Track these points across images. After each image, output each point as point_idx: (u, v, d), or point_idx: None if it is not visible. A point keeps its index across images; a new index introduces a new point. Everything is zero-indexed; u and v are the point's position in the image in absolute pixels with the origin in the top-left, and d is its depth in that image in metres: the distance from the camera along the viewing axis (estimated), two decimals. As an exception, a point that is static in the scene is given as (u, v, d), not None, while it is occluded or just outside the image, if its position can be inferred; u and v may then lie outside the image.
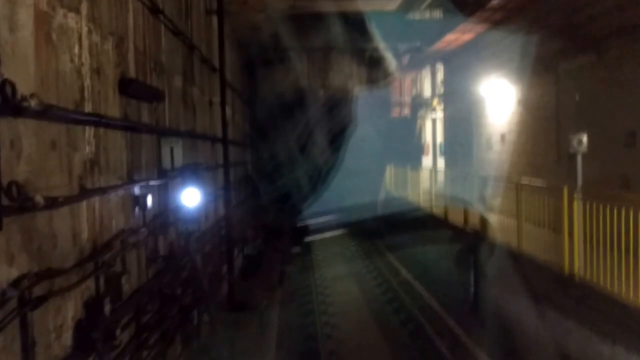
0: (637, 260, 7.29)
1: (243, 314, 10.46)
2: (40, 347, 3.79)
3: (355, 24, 19.33)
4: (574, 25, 13.06)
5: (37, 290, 3.71)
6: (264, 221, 16.63)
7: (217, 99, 11.11)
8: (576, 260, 8.87)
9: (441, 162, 26.63)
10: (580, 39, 12.72)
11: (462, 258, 13.27)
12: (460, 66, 21.53)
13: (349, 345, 12.62)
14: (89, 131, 4.77)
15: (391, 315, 14.62)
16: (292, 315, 14.00)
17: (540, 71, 14.55)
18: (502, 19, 16.23)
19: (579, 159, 10.84)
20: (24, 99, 3.43)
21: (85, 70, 4.68)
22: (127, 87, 5.58)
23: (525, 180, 11.85)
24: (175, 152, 7.12)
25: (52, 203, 3.90)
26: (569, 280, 8.94)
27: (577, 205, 8.97)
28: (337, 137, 22.61)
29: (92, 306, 4.64)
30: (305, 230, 22.62)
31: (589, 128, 11.16)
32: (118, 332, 4.93)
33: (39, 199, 3.63)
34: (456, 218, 15.22)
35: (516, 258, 10.72)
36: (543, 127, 14.77)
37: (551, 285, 9.30)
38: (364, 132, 29.98)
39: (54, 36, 4.12)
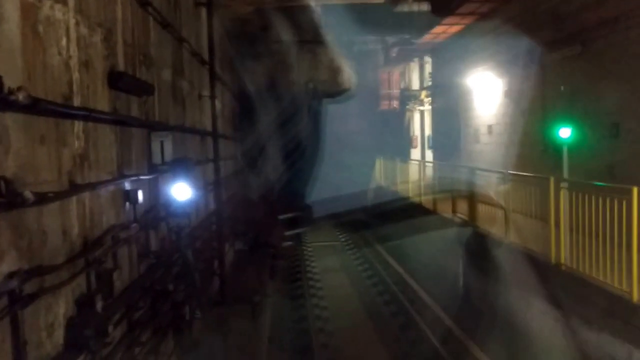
0: (622, 248, 7.35)
1: (235, 308, 10.43)
2: (32, 346, 3.73)
3: (343, 17, 19.23)
4: (559, 17, 13.11)
5: (28, 288, 3.65)
6: (254, 215, 16.57)
7: (206, 93, 11.03)
8: (562, 250, 8.94)
9: (429, 155, 26.73)
10: (566, 30, 12.78)
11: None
12: (448, 58, 21.58)
13: (341, 337, 12.63)
14: (78, 126, 4.70)
15: (382, 307, 14.66)
16: (284, 309, 14.01)
17: (527, 63, 14.61)
18: (488, 12, 16.27)
19: (565, 149, 10.91)
20: (11, 92, 3.36)
21: (74, 63, 4.60)
22: (116, 80, 5.50)
23: (512, 171, 11.90)
24: (166, 146, 7.05)
25: (42, 199, 3.83)
26: (556, 269, 9.01)
27: (564, 195, 9.03)
28: (319, 130, 22.27)
29: (83, 303, 4.57)
30: (298, 222, 22.51)
31: (575, 119, 11.23)
32: (110, 329, 4.88)
33: (28, 194, 3.57)
34: (445, 209, 15.27)
35: (504, 248, 10.78)
36: (530, 118, 14.85)
37: (538, 274, 9.36)
38: (354, 125, 29.99)
39: (41, 28, 4.04)
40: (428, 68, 27.38)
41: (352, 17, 19.85)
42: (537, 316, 9.36)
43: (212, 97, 11.01)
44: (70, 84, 4.53)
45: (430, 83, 26.71)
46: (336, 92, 19.72)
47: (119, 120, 5.76)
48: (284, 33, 16.76)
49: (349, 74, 19.31)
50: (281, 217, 19.27)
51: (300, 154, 19.59)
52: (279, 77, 18.30)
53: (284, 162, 18.71)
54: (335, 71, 18.93)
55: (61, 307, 4.25)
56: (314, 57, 18.69)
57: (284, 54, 17.85)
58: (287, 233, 19.48)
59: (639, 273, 7.00)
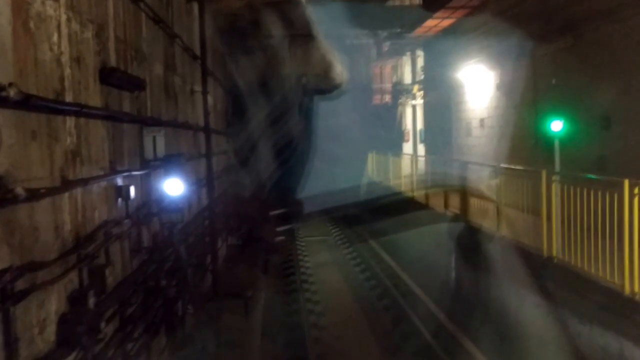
0: (613, 242, 7.39)
1: (227, 303, 10.43)
2: (23, 343, 3.73)
3: (335, 11, 19.19)
4: (550, 9, 13.13)
5: (20, 285, 3.64)
6: (247, 210, 16.58)
7: (198, 88, 11.01)
8: (554, 243, 8.97)
9: (421, 149, 26.77)
10: (557, 23, 12.80)
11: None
12: (440, 52, 21.58)
13: (334, 331, 12.66)
14: (70, 121, 4.69)
15: (375, 301, 14.69)
16: (277, 303, 14.01)
17: (518, 56, 14.63)
18: (480, 5, 16.29)
19: (557, 142, 10.93)
20: (2, 88, 3.35)
21: (65, 59, 4.59)
22: (108, 76, 5.48)
23: (504, 165, 11.93)
24: (158, 141, 7.04)
25: (34, 195, 3.82)
26: (548, 262, 9.04)
27: (555, 189, 9.06)
28: (311, 127, 22.18)
29: (75, 299, 4.57)
30: (289, 217, 22.49)
31: (566, 111, 11.26)
32: (102, 325, 4.88)
33: (20, 190, 3.56)
34: (437, 203, 15.30)
35: (496, 241, 10.80)
36: (521, 111, 14.88)
37: (530, 268, 9.40)
38: (346, 120, 29.93)
39: (32, 24, 4.02)
40: (420, 62, 27.37)
41: (343, 11, 19.82)
42: (529, 309, 9.40)
43: (204, 93, 10.99)
44: (61, 80, 4.52)
45: (422, 77, 26.72)
46: (327, 87, 19.61)
47: (110, 116, 5.75)
48: (275, 28, 16.71)
49: (340, 70, 19.23)
50: (272, 213, 19.22)
51: (292, 152, 19.52)
52: (270, 72, 18.25)
53: (276, 160, 18.63)
54: (326, 66, 18.85)
55: (53, 303, 4.24)
56: (305, 52, 18.64)
57: (275, 49, 17.80)
58: (279, 229, 19.46)
59: (630, 266, 7.03)
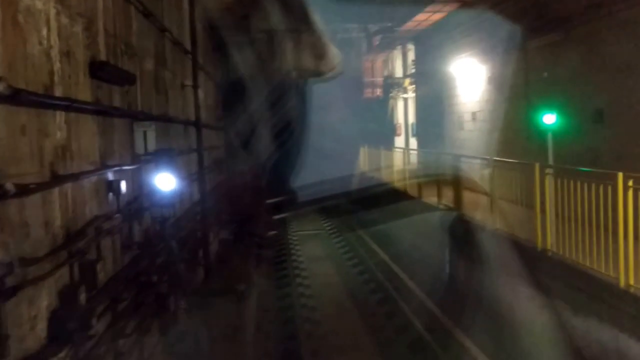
0: (607, 234, 7.41)
1: (220, 298, 10.40)
2: (14, 339, 3.68)
3: (326, 5, 19.12)
4: (542, 3, 13.13)
5: (10, 281, 3.60)
6: (239, 204, 16.53)
7: (189, 82, 10.95)
8: (549, 236, 8.99)
9: (413, 142, 26.78)
10: (548, 17, 12.80)
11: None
12: (431, 46, 21.58)
13: (327, 326, 12.66)
14: (60, 116, 4.64)
15: (368, 295, 14.70)
16: (269, 298, 14.01)
17: (510, 49, 14.62)
18: (472, -2, 16.29)
19: (550, 135, 10.95)
20: (-9, 83, 3.31)
21: (55, 53, 4.54)
22: (98, 70, 5.43)
23: (497, 158, 11.94)
24: (148, 136, 6.99)
25: (24, 190, 3.78)
26: (542, 255, 9.06)
27: (549, 181, 9.08)
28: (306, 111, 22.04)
29: (66, 295, 4.53)
30: (283, 206, 22.47)
31: (559, 105, 11.27)
32: (94, 321, 4.84)
33: (9, 186, 3.52)
34: (430, 198, 15.31)
35: (490, 234, 10.82)
36: (513, 105, 14.88)
37: (525, 261, 9.42)
38: (337, 114, 29.91)
39: (21, 18, 3.97)
40: (411, 56, 27.38)
41: (334, 5, 19.75)
42: (523, 302, 9.42)
43: (195, 87, 10.93)
44: (51, 74, 4.47)
45: (413, 71, 26.72)
46: (322, 73, 19.55)
47: (101, 111, 5.70)
48: (268, 21, 16.64)
49: (333, 54, 19.14)
50: (268, 201, 19.20)
51: (286, 148, 19.46)
52: (263, 65, 18.16)
53: (271, 156, 18.58)
54: (319, 57, 18.78)
55: (44, 299, 4.20)
56: (298, 44, 18.56)
57: (268, 42, 17.73)
58: (274, 217, 19.45)
59: (625, 258, 7.05)
